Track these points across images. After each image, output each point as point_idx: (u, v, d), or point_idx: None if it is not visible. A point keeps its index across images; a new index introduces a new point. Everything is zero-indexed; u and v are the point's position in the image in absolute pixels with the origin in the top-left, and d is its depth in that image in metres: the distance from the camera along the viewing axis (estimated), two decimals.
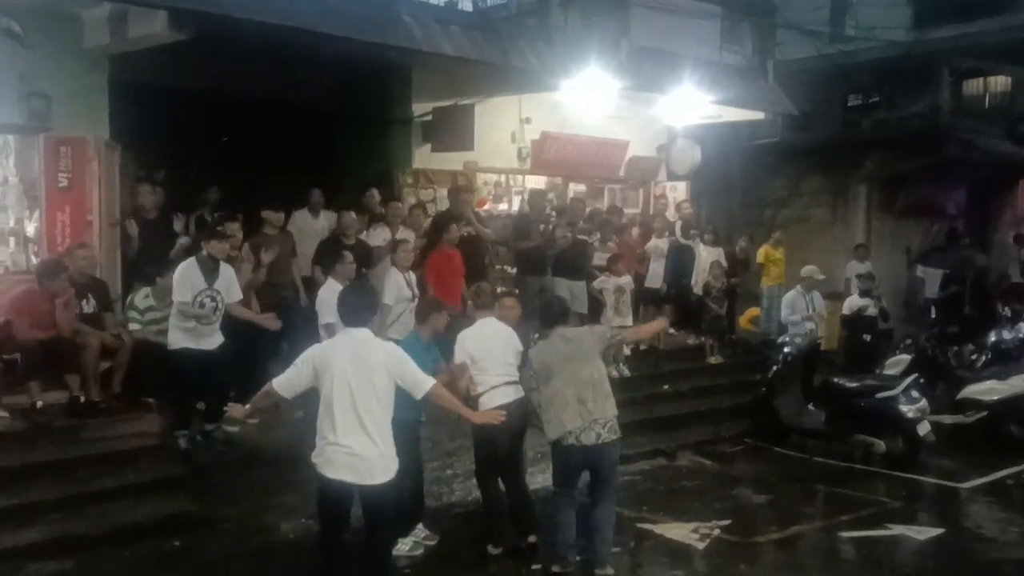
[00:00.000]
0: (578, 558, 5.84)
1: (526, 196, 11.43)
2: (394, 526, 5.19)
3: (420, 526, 6.31)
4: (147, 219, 8.41)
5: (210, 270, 7.15)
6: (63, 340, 6.87)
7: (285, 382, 4.81)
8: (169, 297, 7.34)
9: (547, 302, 6.28)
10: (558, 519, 5.79)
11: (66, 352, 6.88)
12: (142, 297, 7.61)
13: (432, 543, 6.28)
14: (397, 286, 7.92)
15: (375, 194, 9.61)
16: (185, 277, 7.06)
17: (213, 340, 7.19)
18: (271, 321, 7.39)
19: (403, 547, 6.11)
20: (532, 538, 6.13)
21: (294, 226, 8.98)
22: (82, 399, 6.95)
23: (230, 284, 7.27)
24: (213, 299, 7.14)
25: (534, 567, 6.01)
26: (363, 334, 4.80)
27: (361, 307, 4.92)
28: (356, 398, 4.61)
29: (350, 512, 4.84)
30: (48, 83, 7.54)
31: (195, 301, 7.03)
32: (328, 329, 6.93)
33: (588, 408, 5.53)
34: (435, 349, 6.22)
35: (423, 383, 4.84)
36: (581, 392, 5.56)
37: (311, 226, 9.16)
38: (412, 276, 8.11)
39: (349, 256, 7.58)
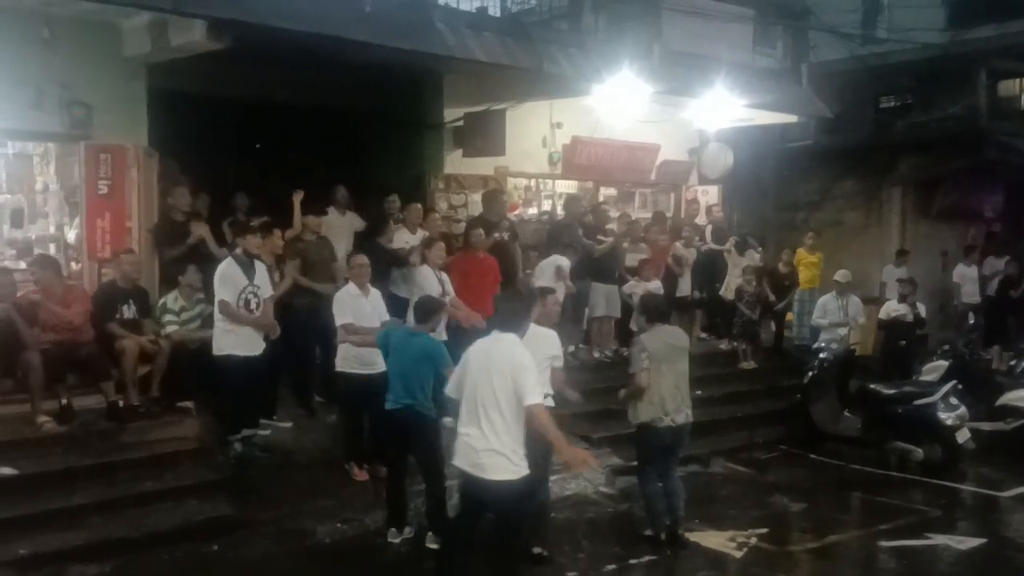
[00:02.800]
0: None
1: (560, 201, 11.44)
2: (518, 527, 5.27)
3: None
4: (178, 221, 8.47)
5: (248, 267, 7.18)
6: (92, 345, 7.01)
7: (451, 384, 5.24)
8: (196, 295, 7.49)
9: (652, 301, 7.15)
10: (647, 492, 6.63)
11: (94, 359, 6.98)
12: (173, 299, 7.70)
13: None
14: (428, 283, 7.92)
15: (396, 200, 9.56)
16: (226, 276, 7.06)
17: (257, 345, 7.18)
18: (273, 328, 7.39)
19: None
20: (538, 549, 6.08)
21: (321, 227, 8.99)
22: (121, 403, 7.05)
23: (265, 281, 7.33)
24: (256, 295, 7.18)
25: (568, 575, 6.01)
26: (507, 337, 5.04)
27: (509, 313, 5.21)
28: (480, 394, 4.90)
29: (481, 501, 5.04)
30: (89, 92, 7.64)
31: (239, 299, 7.06)
32: (346, 329, 7.01)
33: (681, 394, 6.49)
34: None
35: (530, 396, 4.84)
36: (678, 380, 6.49)
37: (338, 223, 9.20)
38: (445, 275, 8.11)
39: (359, 259, 7.40)
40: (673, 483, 6.64)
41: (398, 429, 6.21)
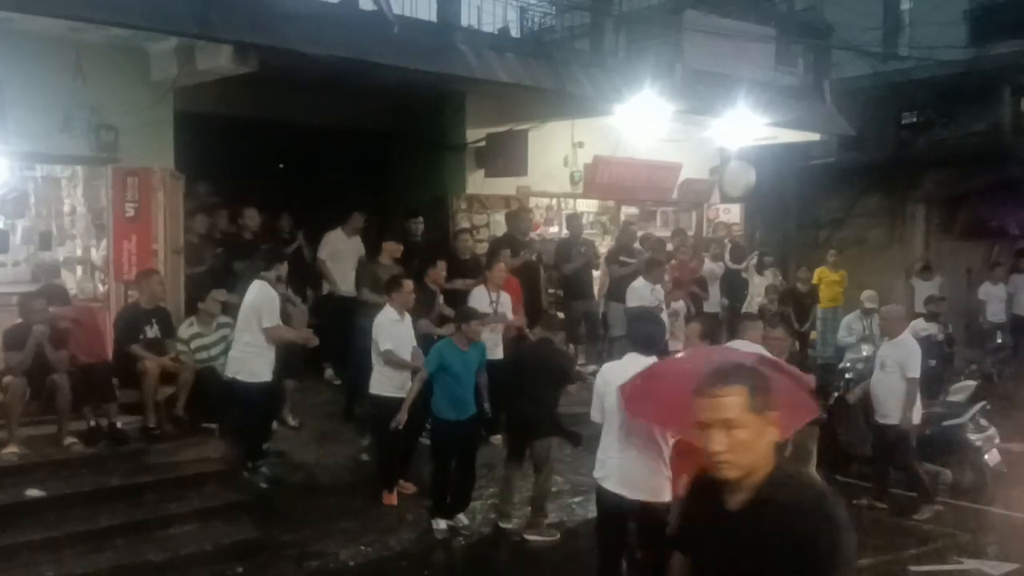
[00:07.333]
0: None
1: (587, 220, 11.48)
2: (662, 545, 5.37)
3: None
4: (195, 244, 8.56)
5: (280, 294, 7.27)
6: (109, 366, 7.08)
7: (593, 409, 5.19)
8: (214, 321, 7.47)
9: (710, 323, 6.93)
10: None
11: (105, 380, 7.00)
12: (186, 327, 7.66)
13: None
14: (477, 299, 8.08)
15: (421, 221, 9.61)
16: (272, 301, 7.09)
17: (274, 368, 7.21)
18: (310, 337, 7.50)
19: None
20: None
21: (328, 246, 9.18)
22: (150, 424, 7.11)
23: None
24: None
25: None
26: (647, 361, 5.01)
27: (646, 336, 5.21)
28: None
29: (627, 525, 5.14)
30: (116, 115, 7.70)
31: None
32: (387, 356, 7.00)
33: None
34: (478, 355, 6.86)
35: None
36: None
37: (344, 246, 9.27)
38: (500, 295, 8.28)
39: (408, 284, 7.34)
40: None
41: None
